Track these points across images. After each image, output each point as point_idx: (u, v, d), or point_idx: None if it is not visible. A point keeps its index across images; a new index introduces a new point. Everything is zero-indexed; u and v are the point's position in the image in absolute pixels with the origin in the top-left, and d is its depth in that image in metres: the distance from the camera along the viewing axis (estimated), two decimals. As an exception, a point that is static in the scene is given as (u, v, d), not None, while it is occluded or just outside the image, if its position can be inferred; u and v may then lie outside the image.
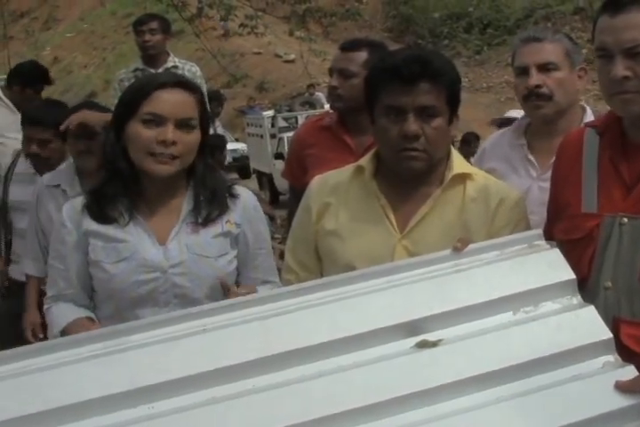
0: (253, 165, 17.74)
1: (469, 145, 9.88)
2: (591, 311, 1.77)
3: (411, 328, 1.73)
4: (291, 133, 11.36)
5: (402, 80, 2.02)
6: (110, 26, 35.93)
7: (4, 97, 5.33)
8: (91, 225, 2.22)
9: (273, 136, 16.40)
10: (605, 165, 1.93)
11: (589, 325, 1.74)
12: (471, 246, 1.87)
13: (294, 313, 1.76)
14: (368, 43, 3.36)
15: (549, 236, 1.95)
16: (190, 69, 5.84)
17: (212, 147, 2.44)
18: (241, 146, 19.33)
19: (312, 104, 17.51)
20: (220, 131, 9.32)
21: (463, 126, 7.61)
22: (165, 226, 2.23)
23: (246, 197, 2.34)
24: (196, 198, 2.25)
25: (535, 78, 2.72)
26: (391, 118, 2.06)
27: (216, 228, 2.25)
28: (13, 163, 4.02)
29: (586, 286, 1.86)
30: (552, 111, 2.75)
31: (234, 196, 2.30)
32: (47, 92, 5.58)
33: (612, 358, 1.70)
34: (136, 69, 5.71)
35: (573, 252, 1.88)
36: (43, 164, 3.79)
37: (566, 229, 1.95)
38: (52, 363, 1.68)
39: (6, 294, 4.02)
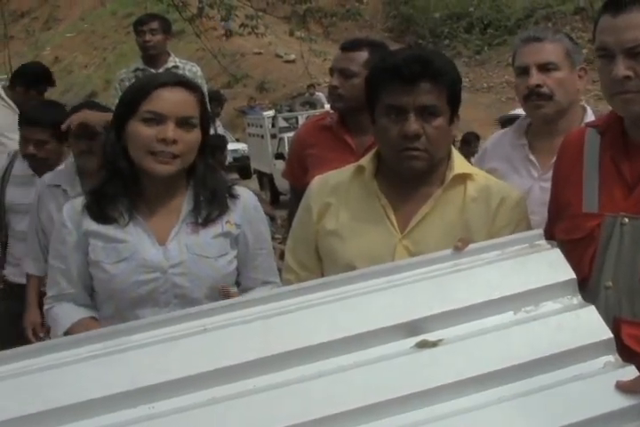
0: (254, 165, 17.74)
1: (470, 145, 9.88)
2: (592, 311, 1.76)
3: (411, 328, 1.73)
4: (291, 134, 11.36)
5: (402, 80, 2.02)
6: (111, 26, 35.94)
7: (6, 97, 5.33)
8: (91, 225, 2.22)
9: (273, 136, 16.40)
10: (607, 165, 1.93)
11: (590, 325, 1.74)
12: (472, 246, 1.87)
13: (294, 313, 1.76)
14: (369, 43, 3.36)
15: (550, 236, 1.95)
16: (191, 69, 5.85)
17: (212, 147, 2.44)
18: (241, 146, 19.33)
19: (312, 104, 17.50)
20: (220, 131, 9.33)
21: (464, 126, 7.61)
22: (165, 226, 2.23)
23: (247, 197, 2.34)
24: (196, 198, 2.25)
25: (535, 78, 2.72)
26: (392, 118, 2.06)
27: (216, 228, 2.25)
28: (10, 164, 3.99)
29: (586, 286, 1.86)
30: (552, 111, 2.75)
31: (234, 196, 2.30)
32: (48, 92, 5.58)
33: (612, 358, 1.70)
34: (137, 69, 5.72)
35: (574, 252, 1.88)
36: (39, 165, 3.79)
37: (567, 228, 1.95)
38: (52, 363, 1.68)
39: (2, 296, 4.00)
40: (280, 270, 2.39)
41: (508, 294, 1.78)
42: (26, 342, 3.22)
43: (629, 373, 1.66)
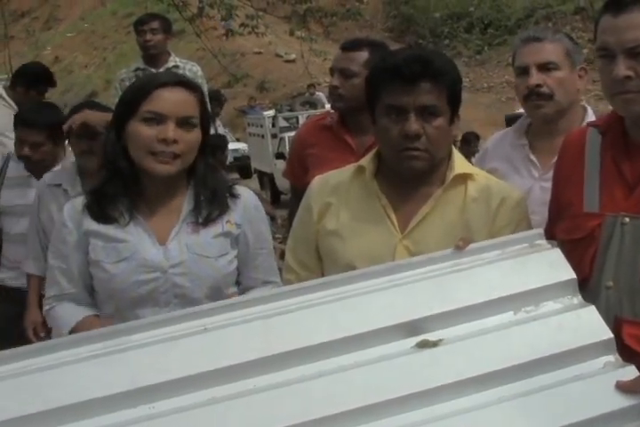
0: (254, 164, 17.74)
1: (470, 145, 9.89)
2: (592, 311, 1.76)
3: (411, 328, 1.73)
4: (292, 133, 11.37)
5: (403, 80, 2.01)
6: (111, 25, 35.94)
7: (7, 97, 5.33)
8: (91, 225, 2.22)
9: (274, 136, 16.40)
10: (607, 165, 1.93)
11: (590, 325, 1.74)
12: (472, 246, 1.87)
13: (295, 313, 1.76)
14: (369, 42, 3.37)
15: (551, 235, 1.95)
16: (191, 69, 5.85)
17: (213, 147, 2.44)
18: (242, 146, 19.33)
19: (313, 104, 17.51)
20: (220, 131, 9.33)
21: (464, 126, 7.62)
22: (166, 226, 2.23)
23: (247, 197, 2.33)
24: (196, 198, 2.25)
25: (535, 78, 2.72)
26: (392, 118, 2.05)
27: (216, 228, 2.25)
28: (5, 166, 3.97)
29: (587, 286, 1.86)
30: (553, 111, 2.74)
31: (234, 196, 2.30)
32: (48, 92, 5.58)
33: (612, 358, 1.70)
34: (137, 69, 5.72)
35: (575, 251, 1.88)
36: (34, 166, 3.78)
37: (568, 228, 1.95)
38: (53, 363, 1.68)
39: None
40: (280, 270, 2.39)
41: (508, 293, 1.78)
42: (26, 342, 3.22)
43: (629, 373, 1.66)
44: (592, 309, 1.77)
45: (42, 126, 3.68)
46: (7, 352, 1.71)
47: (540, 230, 1.94)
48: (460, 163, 2.16)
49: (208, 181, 2.26)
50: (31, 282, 3.69)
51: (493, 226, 2.09)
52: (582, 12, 24.49)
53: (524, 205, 2.17)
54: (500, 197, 2.12)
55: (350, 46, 3.32)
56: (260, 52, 28.25)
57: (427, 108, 2.03)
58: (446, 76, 2.05)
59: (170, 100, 2.15)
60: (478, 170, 2.27)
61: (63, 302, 2.27)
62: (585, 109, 2.86)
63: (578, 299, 1.80)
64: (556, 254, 1.85)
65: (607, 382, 1.64)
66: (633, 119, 1.90)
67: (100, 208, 2.21)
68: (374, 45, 3.32)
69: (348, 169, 2.24)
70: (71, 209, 2.26)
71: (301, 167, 3.43)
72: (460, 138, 9.99)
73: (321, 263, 2.22)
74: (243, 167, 18.26)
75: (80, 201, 2.26)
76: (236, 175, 17.15)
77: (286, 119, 16.44)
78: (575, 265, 1.83)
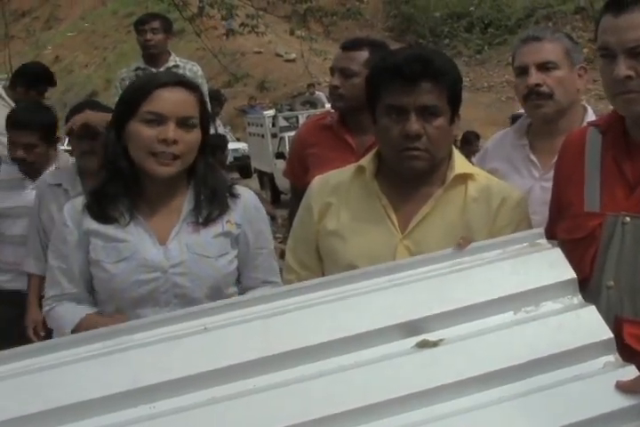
0: (254, 164, 17.74)
1: (470, 144, 9.88)
2: (592, 311, 1.76)
3: (411, 328, 1.73)
4: (292, 133, 11.35)
5: (403, 79, 2.01)
6: (111, 25, 35.94)
7: (6, 97, 5.33)
8: (91, 225, 2.22)
9: (274, 135, 16.39)
10: (608, 165, 1.93)
11: (590, 325, 1.74)
12: (473, 245, 1.87)
13: (295, 312, 1.76)
14: (369, 42, 3.37)
15: (551, 235, 1.95)
16: (191, 69, 5.85)
17: (213, 146, 2.44)
18: (242, 145, 19.33)
19: (313, 103, 17.50)
20: (221, 130, 9.33)
21: (464, 126, 7.62)
22: (166, 226, 2.23)
23: (247, 197, 2.33)
24: (196, 198, 2.25)
25: (535, 77, 2.72)
26: (392, 118, 2.05)
27: (216, 228, 2.25)
28: None
29: (588, 286, 1.86)
30: (552, 110, 2.74)
31: (234, 195, 2.30)
32: (48, 92, 5.58)
33: (612, 358, 1.70)
34: (137, 69, 5.72)
35: (575, 251, 1.88)
36: (28, 168, 3.78)
37: (569, 228, 1.95)
38: (53, 363, 1.68)
39: None
40: (281, 270, 2.39)
41: (508, 293, 1.78)
42: (27, 341, 3.22)
43: (629, 373, 1.65)
44: (592, 309, 1.77)
45: (35, 128, 3.68)
46: (7, 352, 1.71)
47: (541, 230, 1.94)
48: (460, 163, 2.16)
49: (208, 181, 2.26)
50: (32, 281, 3.69)
51: (494, 226, 2.09)
52: (582, 12, 24.50)
53: (525, 205, 2.17)
54: (500, 197, 2.12)
55: (350, 46, 3.32)
56: (260, 52, 28.25)
57: (427, 108, 2.03)
58: (447, 76, 2.05)
59: (170, 100, 2.15)
60: (479, 170, 2.27)
61: (63, 302, 2.27)
62: (585, 109, 2.86)
63: (578, 299, 1.80)
64: (557, 254, 1.85)
65: (607, 382, 1.64)
66: (634, 119, 1.90)
67: (101, 208, 2.21)
68: (374, 45, 3.32)
69: (349, 169, 2.24)
70: (71, 209, 2.26)
71: (301, 167, 3.43)
72: (460, 137, 9.99)
73: (321, 263, 2.22)
74: (243, 167, 18.27)
75: (80, 201, 2.26)
76: (236, 175, 17.16)
77: (286, 119, 16.44)
78: (576, 265, 1.83)
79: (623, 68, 1.81)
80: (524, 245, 1.87)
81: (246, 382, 1.65)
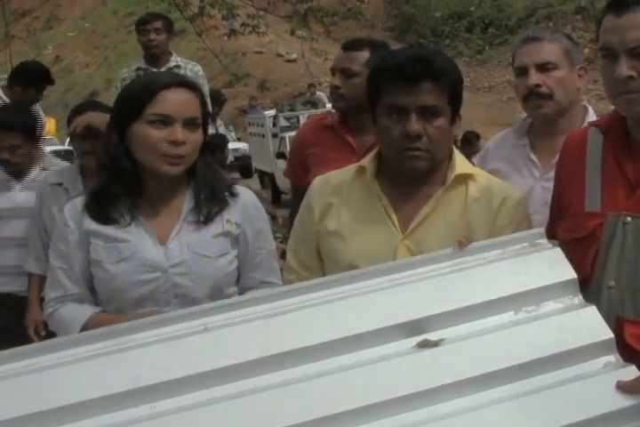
0: (255, 164, 17.75)
1: (471, 144, 9.88)
2: (593, 311, 1.76)
3: (412, 328, 1.73)
4: (292, 133, 11.37)
5: (404, 79, 2.01)
6: (112, 25, 35.98)
7: (4, 97, 5.33)
8: (92, 225, 2.22)
9: (275, 135, 16.41)
10: (609, 165, 1.93)
11: (591, 325, 1.74)
12: (473, 245, 1.86)
13: (295, 312, 1.75)
14: (370, 42, 3.37)
15: (552, 235, 1.95)
16: (192, 69, 5.85)
17: (213, 146, 2.44)
18: (243, 145, 19.35)
19: (314, 103, 17.52)
20: (221, 130, 9.32)
21: (465, 126, 7.62)
22: (166, 226, 2.23)
23: (247, 196, 2.34)
24: (196, 197, 2.25)
25: (534, 78, 2.72)
26: (393, 118, 2.05)
27: (216, 227, 2.25)
28: None
29: (588, 286, 1.86)
30: (552, 110, 2.74)
31: (234, 194, 2.30)
32: (48, 92, 5.59)
33: (613, 358, 1.70)
34: (138, 69, 5.72)
35: (576, 251, 1.88)
36: (13, 169, 3.78)
37: (570, 228, 1.95)
38: (53, 362, 1.68)
39: None
40: (281, 270, 2.39)
41: (509, 293, 1.78)
42: (27, 341, 3.22)
43: (630, 373, 1.65)
44: (593, 309, 1.76)
45: (19, 129, 3.68)
46: (7, 352, 1.71)
47: (541, 230, 1.94)
48: (460, 163, 2.16)
49: (207, 180, 2.26)
50: (32, 281, 3.70)
51: (494, 226, 2.09)
52: (583, 12, 24.51)
53: (525, 205, 2.17)
54: (501, 197, 2.12)
55: (351, 46, 3.32)
56: (261, 52, 28.28)
57: (428, 108, 2.03)
58: (447, 76, 2.05)
59: (175, 101, 2.15)
60: (479, 170, 2.27)
61: (67, 304, 2.26)
62: (586, 109, 2.86)
63: (578, 299, 1.80)
64: (557, 254, 1.85)
65: (607, 382, 1.64)
66: (635, 119, 1.90)
67: (101, 209, 2.21)
68: (375, 45, 3.32)
69: (349, 169, 2.24)
70: (72, 209, 2.26)
71: (302, 167, 3.43)
72: (460, 137, 9.99)
73: (322, 264, 2.22)
74: (243, 167, 18.30)
75: (80, 201, 2.26)
76: (236, 175, 17.18)
77: (287, 119, 16.45)
78: (576, 265, 1.83)
79: (625, 69, 1.81)
80: (525, 244, 1.87)
81: (246, 381, 1.65)
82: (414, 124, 2.02)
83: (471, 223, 2.09)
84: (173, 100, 2.16)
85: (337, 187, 2.21)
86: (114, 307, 2.23)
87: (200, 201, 2.24)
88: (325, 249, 2.19)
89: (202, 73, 5.95)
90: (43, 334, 3.60)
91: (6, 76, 5.73)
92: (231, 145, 11.70)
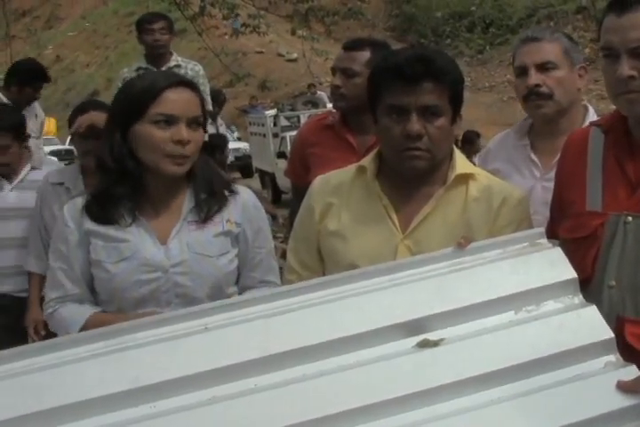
0: (256, 164, 17.76)
1: (472, 144, 9.88)
2: (593, 311, 1.76)
3: (412, 328, 1.73)
4: (293, 133, 11.37)
5: (405, 79, 2.01)
6: (112, 24, 36.01)
7: (2, 97, 5.32)
8: (91, 225, 2.22)
9: (275, 135, 16.41)
10: (610, 164, 1.93)
11: (591, 324, 1.74)
12: (473, 245, 1.86)
13: (295, 312, 1.75)
14: (371, 42, 3.37)
15: (552, 235, 1.95)
16: (193, 68, 5.86)
17: (212, 146, 2.45)
18: (243, 145, 19.36)
19: (314, 103, 17.51)
20: (222, 130, 9.31)
21: (465, 126, 7.60)
22: (166, 225, 2.23)
23: (246, 196, 2.34)
24: (196, 197, 2.25)
25: (534, 78, 2.72)
26: (394, 118, 2.05)
27: (217, 227, 2.25)
28: None
29: (589, 286, 1.86)
30: (553, 110, 2.74)
31: (233, 191, 2.30)
32: (49, 91, 5.63)
33: (613, 357, 1.70)
34: (139, 68, 5.72)
35: (577, 251, 1.88)
36: (4, 169, 3.78)
37: (571, 227, 1.95)
38: (53, 362, 1.68)
39: None
40: (282, 270, 2.39)
41: (509, 293, 1.77)
42: (25, 342, 3.22)
43: (630, 372, 1.65)
44: (593, 308, 1.76)
45: (8, 129, 3.68)
46: (7, 352, 1.71)
47: (541, 229, 1.93)
48: (461, 162, 2.16)
49: (207, 179, 2.26)
50: (33, 280, 3.70)
51: (495, 226, 2.09)
52: (584, 12, 24.50)
53: (526, 205, 2.17)
54: (501, 197, 2.12)
55: (352, 46, 3.32)
56: (261, 52, 28.30)
57: (428, 108, 2.03)
58: (448, 76, 2.05)
59: (179, 101, 2.16)
60: (479, 170, 2.27)
61: (67, 304, 2.26)
62: (586, 109, 2.86)
63: (579, 298, 1.80)
64: (557, 254, 1.85)
65: (608, 382, 1.64)
66: (636, 119, 1.90)
67: (102, 210, 2.21)
68: (376, 45, 3.32)
69: (350, 169, 2.24)
70: (72, 208, 2.26)
71: (303, 166, 3.44)
72: (460, 137, 9.99)
73: (322, 264, 2.22)
74: (244, 166, 18.31)
75: (80, 201, 2.26)
76: (237, 174, 17.19)
77: (288, 118, 16.46)
78: (577, 264, 1.83)
79: (626, 68, 1.81)
80: (525, 244, 1.87)
81: (246, 381, 1.65)
82: (415, 124, 2.02)
83: (471, 223, 2.09)
84: (177, 100, 2.16)
85: (337, 187, 2.21)
86: (114, 307, 2.23)
87: (200, 200, 2.25)
88: (326, 249, 2.19)
89: (202, 72, 5.95)
90: (43, 333, 3.60)
91: (2, 76, 5.73)
92: (232, 145, 11.70)
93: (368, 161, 2.19)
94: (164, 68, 5.60)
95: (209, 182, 2.26)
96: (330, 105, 11.62)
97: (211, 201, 2.25)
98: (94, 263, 2.22)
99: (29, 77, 5.32)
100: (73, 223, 2.23)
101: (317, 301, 1.77)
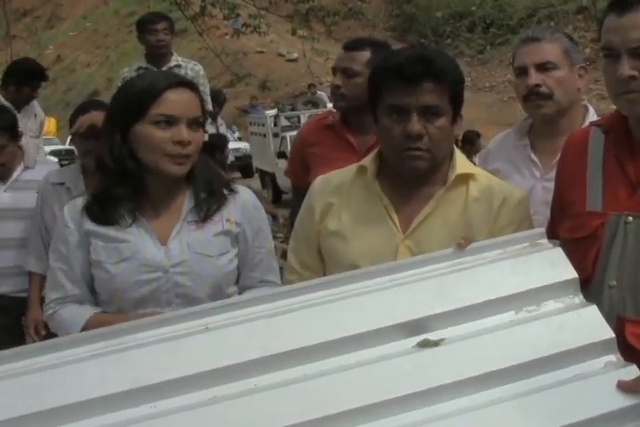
0: (256, 164, 17.77)
1: (472, 144, 9.88)
2: (593, 311, 1.76)
3: (412, 328, 1.73)
4: (293, 132, 11.37)
5: (405, 79, 2.01)
6: (113, 24, 36.02)
7: (1, 97, 5.32)
8: (92, 225, 2.22)
9: (276, 135, 16.42)
10: (611, 164, 1.93)
11: (591, 324, 1.74)
12: (473, 245, 1.86)
13: (296, 312, 1.75)
14: (371, 42, 3.37)
15: (553, 235, 1.95)
16: (193, 68, 5.86)
17: (212, 146, 2.45)
18: (243, 145, 19.36)
19: (315, 103, 17.52)
20: (222, 130, 9.31)
21: (466, 126, 7.61)
22: (166, 225, 2.23)
23: (246, 196, 2.34)
24: (196, 197, 2.25)
25: (534, 78, 2.72)
26: (394, 118, 2.05)
27: (216, 226, 2.25)
28: None
29: (590, 286, 1.86)
30: (553, 110, 2.74)
31: (232, 190, 2.30)
32: (49, 91, 5.64)
33: (613, 357, 1.70)
34: (139, 68, 5.72)
35: (578, 251, 1.88)
36: (1, 169, 3.78)
37: (571, 227, 1.95)
38: (54, 362, 1.68)
39: None
40: (282, 270, 2.39)
41: (509, 293, 1.77)
42: (24, 343, 3.22)
43: (631, 372, 1.65)
44: (593, 308, 1.76)
45: (4, 129, 3.68)
46: (7, 352, 1.71)
47: (542, 230, 1.93)
48: (461, 163, 2.16)
49: (206, 179, 2.26)
50: (33, 280, 3.70)
51: (495, 226, 2.09)
52: (585, 12, 24.50)
53: (526, 205, 2.17)
54: (501, 197, 2.12)
55: (353, 46, 3.32)
56: (262, 52, 28.30)
57: (429, 108, 2.03)
58: (448, 76, 2.05)
59: (179, 101, 2.16)
60: (480, 170, 2.27)
61: (67, 305, 2.26)
62: (586, 109, 2.86)
63: (579, 298, 1.80)
64: (558, 254, 1.85)
65: (608, 381, 1.64)
66: (637, 119, 1.90)
67: (101, 210, 2.21)
68: (377, 45, 3.32)
69: (350, 169, 2.24)
70: (72, 209, 2.26)
71: (303, 166, 3.44)
72: (460, 137, 9.99)
73: (323, 264, 2.22)
74: (244, 166, 18.31)
75: (81, 201, 2.25)
76: (237, 174, 17.20)
77: (288, 118, 16.46)
78: (578, 264, 1.83)
79: (627, 68, 1.81)
80: (525, 244, 1.87)
81: (247, 381, 1.65)
82: (415, 125, 2.02)
83: (472, 223, 2.09)
84: (177, 101, 2.16)
85: (338, 187, 2.21)
86: (115, 307, 2.23)
87: (200, 200, 2.25)
88: (326, 249, 2.19)
89: (203, 72, 5.96)
90: (43, 333, 3.60)
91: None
92: (232, 145, 11.71)
93: (368, 161, 2.19)
94: (164, 68, 5.60)
95: (209, 183, 2.26)
96: (330, 105, 11.62)
97: (210, 200, 2.25)
98: (94, 264, 2.22)
99: (27, 77, 5.32)
100: (73, 224, 2.23)
101: (318, 301, 1.77)
